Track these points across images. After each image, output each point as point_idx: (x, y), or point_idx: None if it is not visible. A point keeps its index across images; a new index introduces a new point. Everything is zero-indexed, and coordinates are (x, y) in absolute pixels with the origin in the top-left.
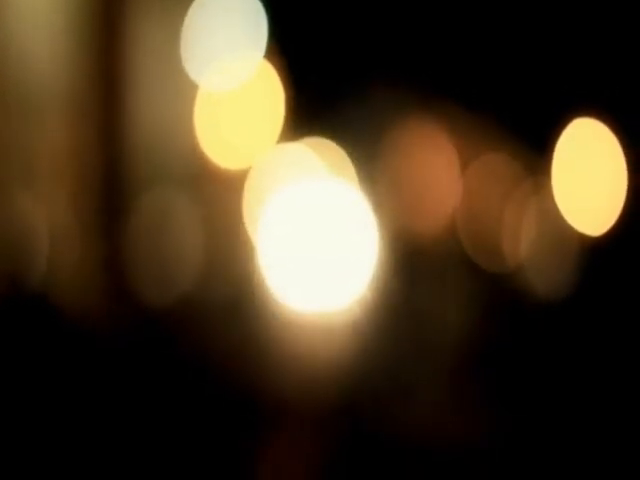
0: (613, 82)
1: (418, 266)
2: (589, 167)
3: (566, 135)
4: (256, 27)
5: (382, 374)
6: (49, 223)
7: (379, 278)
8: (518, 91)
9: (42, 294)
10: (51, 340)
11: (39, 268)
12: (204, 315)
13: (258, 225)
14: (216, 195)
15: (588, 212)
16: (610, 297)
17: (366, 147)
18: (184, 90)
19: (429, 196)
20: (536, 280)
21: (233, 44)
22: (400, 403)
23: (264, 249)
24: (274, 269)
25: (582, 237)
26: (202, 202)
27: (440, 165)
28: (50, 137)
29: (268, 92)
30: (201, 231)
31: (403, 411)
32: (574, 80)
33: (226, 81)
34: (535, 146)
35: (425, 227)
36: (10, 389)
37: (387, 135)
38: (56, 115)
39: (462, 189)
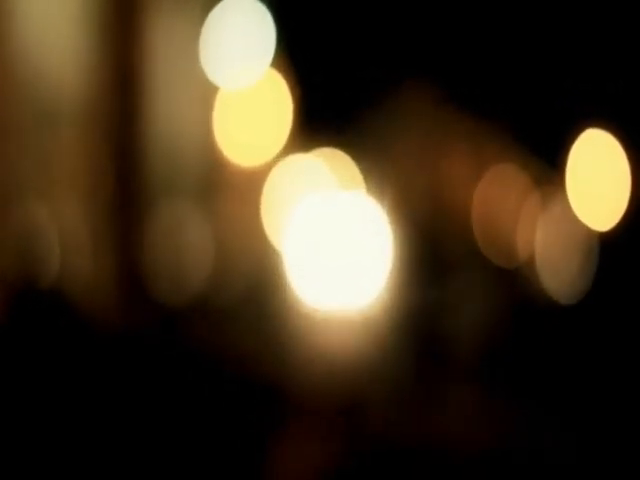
0: (620, 99)
1: (433, 266)
2: (598, 171)
3: (578, 143)
4: (265, 35)
5: (397, 369)
6: (68, 225)
7: (396, 278)
8: (536, 104)
9: (59, 296)
10: (68, 340)
11: (56, 270)
12: (225, 312)
13: (277, 227)
14: (233, 194)
15: (597, 210)
16: (617, 283)
17: (379, 155)
18: (197, 91)
19: (443, 199)
20: (550, 271)
21: (244, 48)
22: (415, 397)
23: (284, 249)
24: (294, 268)
25: (592, 232)
26: (218, 202)
27: (453, 168)
28: (69, 139)
29: (277, 95)
30: (219, 230)
31: (418, 406)
32: (586, 97)
33: (237, 81)
34: (550, 153)
35: (440, 228)
36: (29, 390)
37: (402, 142)
38: (75, 117)
39: (477, 192)
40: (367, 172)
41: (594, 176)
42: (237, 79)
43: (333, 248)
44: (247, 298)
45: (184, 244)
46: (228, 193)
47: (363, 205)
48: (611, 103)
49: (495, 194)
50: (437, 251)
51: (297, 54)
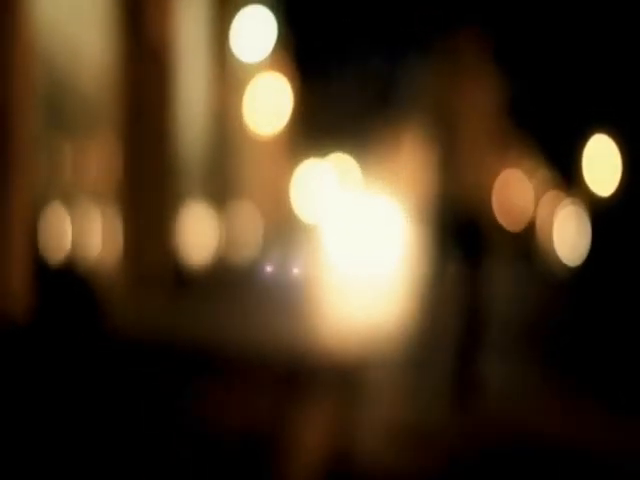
0: (620, 112)
1: (449, 240)
2: (603, 159)
3: (589, 144)
4: (267, 29)
5: (416, 333)
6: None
7: (415, 250)
8: (555, 113)
9: (86, 280)
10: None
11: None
12: (255, 280)
13: (303, 206)
14: (256, 163)
15: (601, 181)
16: (617, 236)
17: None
18: (221, 67)
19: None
20: (561, 239)
21: (253, 35)
22: (432, 356)
23: (319, 228)
24: (327, 242)
25: (595, 196)
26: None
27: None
28: (101, 122)
29: (279, 82)
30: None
31: (434, 367)
32: (597, 109)
33: (251, 55)
34: (567, 150)
35: (455, 211)
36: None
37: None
38: (102, 104)
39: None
40: (376, 171)
41: (601, 162)
42: (251, 53)
43: (360, 227)
44: (279, 267)
45: (213, 221)
46: (249, 159)
47: (384, 197)
48: (614, 115)
49: (513, 183)
50: (453, 227)
51: (304, 58)
